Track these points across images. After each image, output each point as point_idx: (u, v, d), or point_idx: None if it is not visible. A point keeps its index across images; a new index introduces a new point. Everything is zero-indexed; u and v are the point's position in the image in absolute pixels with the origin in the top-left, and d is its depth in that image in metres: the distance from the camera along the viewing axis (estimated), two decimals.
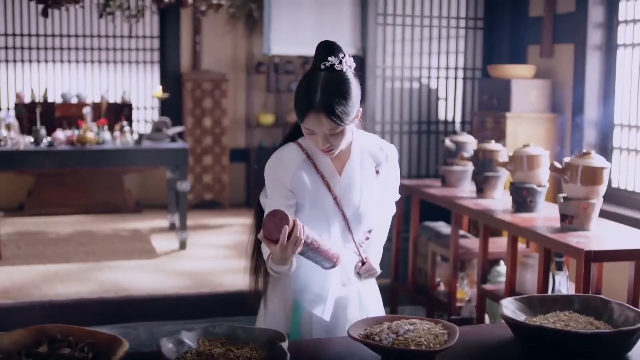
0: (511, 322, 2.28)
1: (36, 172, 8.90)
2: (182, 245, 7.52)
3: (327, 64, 2.41)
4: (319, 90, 2.39)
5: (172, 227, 8.36)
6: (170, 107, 9.45)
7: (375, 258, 2.75)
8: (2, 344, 2.02)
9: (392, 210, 2.86)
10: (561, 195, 4.11)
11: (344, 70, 2.43)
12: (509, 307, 2.39)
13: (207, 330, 2.15)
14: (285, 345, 2.04)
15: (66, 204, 9.21)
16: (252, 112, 9.88)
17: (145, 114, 10.01)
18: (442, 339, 2.15)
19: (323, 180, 2.57)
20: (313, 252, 2.39)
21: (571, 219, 4.04)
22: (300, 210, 2.59)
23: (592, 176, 3.96)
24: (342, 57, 2.43)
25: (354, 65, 2.48)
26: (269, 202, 2.59)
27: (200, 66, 9.69)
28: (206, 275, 6.63)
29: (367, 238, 2.72)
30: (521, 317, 2.37)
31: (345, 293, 2.64)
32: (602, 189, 4.01)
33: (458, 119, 7.23)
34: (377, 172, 2.66)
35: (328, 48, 2.44)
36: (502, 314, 2.32)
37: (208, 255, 7.37)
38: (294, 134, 2.64)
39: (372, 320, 2.26)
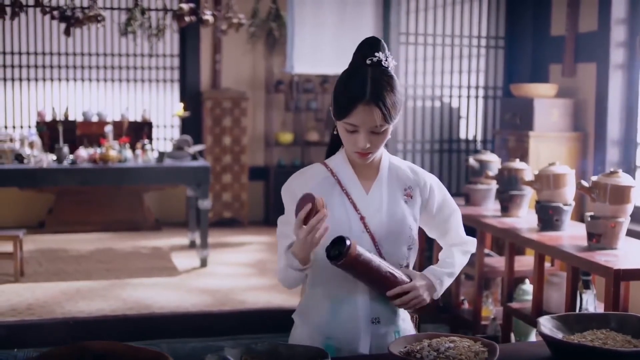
0: (551, 340, 2.28)
1: (57, 189, 8.95)
2: (203, 263, 7.53)
3: (374, 59, 2.34)
4: (368, 82, 2.30)
5: (192, 245, 8.39)
6: (190, 126, 9.51)
7: (437, 275, 2.49)
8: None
9: (466, 247, 2.63)
10: (588, 213, 4.11)
11: (390, 68, 2.37)
12: (547, 325, 2.39)
13: (249, 348, 2.15)
14: None
15: (86, 222, 9.25)
16: (271, 130, 9.91)
17: (165, 132, 10.06)
18: (482, 356, 2.15)
19: (348, 198, 2.42)
20: (367, 271, 2.31)
21: (599, 238, 4.03)
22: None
23: (620, 195, 3.96)
24: (389, 55, 2.37)
25: (395, 66, 2.42)
26: (282, 227, 2.46)
27: (220, 85, 9.74)
28: (228, 293, 6.64)
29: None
30: (558, 335, 2.37)
31: (382, 332, 2.45)
32: (630, 207, 4.01)
33: (479, 138, 7.24)
34: (410, 196, 2.49)
35: (374, 44, 2.37)
36: (540, 332, 2.32)
37: (229, 273, 7.39)
38: (331, 150, 2.55)
39: (412, 338, 2.27)
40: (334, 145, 2.53)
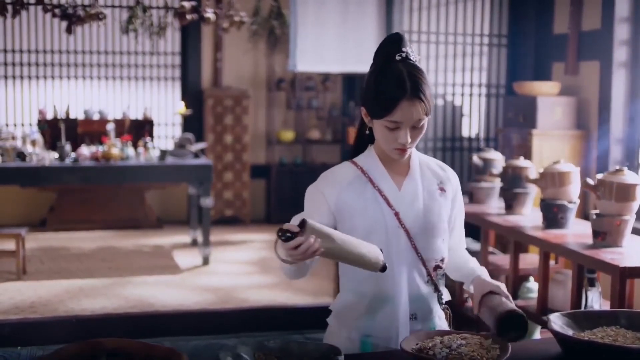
0: (562, 337, 2.28)
1: (58, 187, 8.95)
2: (205, 261, 7.53)
3: (403, 54, 2.34)
4: (406, 78, 2.30)
5: (194, 243, 8.39)
6: (192, 124, 9.50)
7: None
8: (60, 357, 2.03)
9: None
10: (594, 211, 4.11)
11: (416, 62, 2.38)
12: (557, 322, 2.40)
13: (261, 345, 2.15)
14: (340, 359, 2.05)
15: (88, 220, 9.25)
16: (273, 128, 9.91)
17: (166, 130, 10.05)
18: (494, 353, 2.15)
19: (381, 195, 2.41)
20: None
21: (604, 236, 4.04)
22: (353, 232, 2.36)
23: (626, 193, 3.97)
24: (413, 50, 2.39)
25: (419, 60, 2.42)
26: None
27: (221, 83, 9.74)
28: (230, 291, 6.64)
29: (440, 267, 2.49)
30: (569, 332, 2.38)
31: (418, 328, 2.45)
32: (636, 205, 4.02)
33: (482, 136, 7.25)
34: (443, 190, 2.51)
35: (399, 40, 2.37)
36: (551, 329, 2.32)
37: (231, 271, 7.39)
38: (357, 150, 2.54)
39: (423, 335, 2.27)
40: (360, 144, 2.53)
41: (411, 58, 2.36)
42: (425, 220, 2.43)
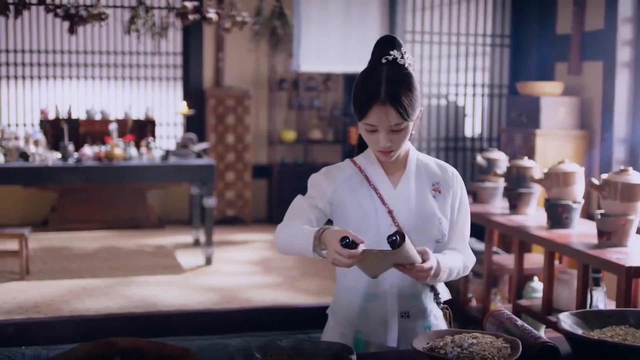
0: (572, 336, 2.29)
1: (60, 187, 8.95)
2: (208, 261, 7.53)
3: (390, 57, 2.33)
4: (383, 82, 2.31)
5: (196, 243, 8.39)
6: (193, 124, 9.50)
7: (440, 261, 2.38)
8: (74, 356, 2.03)
9: (470, 257, 2.58)
10: (599, 211, 4.12)
11: (406, 65, 2.36)
12: (566, 321, 2.40)
13: (273, 344, 2.16)
14: (353, 359, 2.05)
15: (89, 220, 9.26)
16: (275, 128, 9.92)
17: (168, 130, 10.06)
18: (505, 352, 2.15)
19: (376, 193, 2.43)
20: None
21: (609, 235, 4.05)
22: (346, 225, 2.42)
23: (631, 192, 3.98)
24: (404, 53, 2.36)
25: (413, 63, 2.41)
26: (299, 200, 2.48)
27: (223, 83, 9.74)
28: (234, 291, 6.64)
29: None
30: (578, 331, 2.38)
31: (411, 326, 2.47)
32: None
33: (485, 136, 7.26)
34: (439, 191, 2.49)
35: (390, 42, 2.37)
36: (560, 328, 2.33)
37: (234, 271, 7.39)
38: (359, 150, 2.56)
39: (434, 334, 2.27)
40: (362, 144, 2.54)
41: (399, 61, 2.34)
42: (418, 219, 2.43)
